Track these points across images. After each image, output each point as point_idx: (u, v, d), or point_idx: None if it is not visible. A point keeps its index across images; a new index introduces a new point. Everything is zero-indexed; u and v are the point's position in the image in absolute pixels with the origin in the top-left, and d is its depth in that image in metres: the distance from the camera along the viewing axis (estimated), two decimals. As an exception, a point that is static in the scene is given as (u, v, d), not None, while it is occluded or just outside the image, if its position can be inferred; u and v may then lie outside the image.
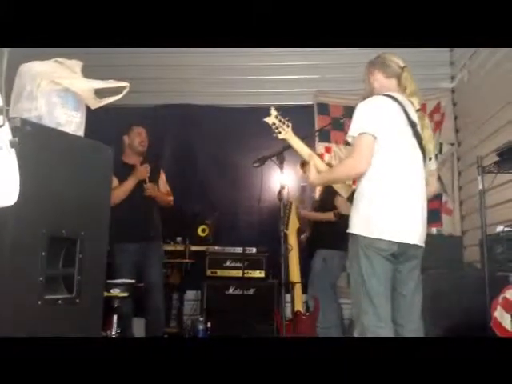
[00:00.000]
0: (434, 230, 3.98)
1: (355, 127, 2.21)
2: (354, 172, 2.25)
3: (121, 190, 3.59)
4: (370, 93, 2.37)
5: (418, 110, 2.29)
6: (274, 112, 2.60)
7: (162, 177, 4.06)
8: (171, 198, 4.04)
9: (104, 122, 3.55)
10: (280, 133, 2.59)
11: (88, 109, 2.20)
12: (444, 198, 4.84)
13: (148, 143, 3.90)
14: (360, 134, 2.18)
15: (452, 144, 4.89)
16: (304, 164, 2.48)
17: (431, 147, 2.30)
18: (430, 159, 2.32)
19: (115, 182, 3.54)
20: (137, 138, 3.83)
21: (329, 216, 3.93)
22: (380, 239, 2.12)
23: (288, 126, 2.59)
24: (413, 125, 2.23)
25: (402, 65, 2.33)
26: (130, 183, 3.65)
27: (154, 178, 3.89)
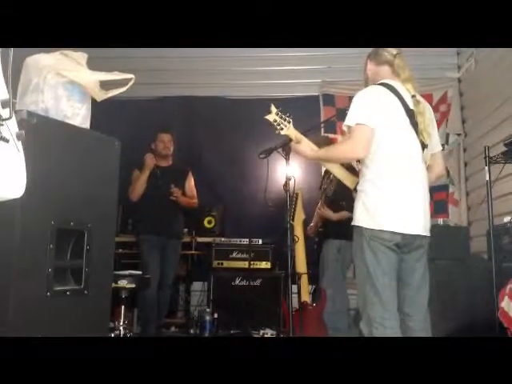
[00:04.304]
0: (440, 221, 3.96)
1: (352, 116, 2.21)
2: (349, 155, 2.32)
3: (137, 184, 4.07)
4: (365, 83, 2.41)
5: (413, 96, 2.27)
6: (274, 109, 2.58)
7: (190, 180, 4.39)
8: (195, 201, 4.36)
9: (110, 115, 3.56)
10: (282, 129, 2.58)
11: (94, 101, 2.20)
12: (450, 189, 4.82)
13: (174, 147, 4.32)
14: (357, 124, 2.18)
15: (459, 134, 4.85)
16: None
17: (428, 133, 2.25)
18: (427, 146, 2.27)
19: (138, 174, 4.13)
20: (160, 144, 4.25)
21: (343, 215, 3.88)
22: (383, 230, 2.13)
23: (289, 122, 2.57)
24: (410, 114, 2.22)
25: (395, 52, 2.33)
26: (142, 176, 4.09)
27: (179, 181, 4.25)
